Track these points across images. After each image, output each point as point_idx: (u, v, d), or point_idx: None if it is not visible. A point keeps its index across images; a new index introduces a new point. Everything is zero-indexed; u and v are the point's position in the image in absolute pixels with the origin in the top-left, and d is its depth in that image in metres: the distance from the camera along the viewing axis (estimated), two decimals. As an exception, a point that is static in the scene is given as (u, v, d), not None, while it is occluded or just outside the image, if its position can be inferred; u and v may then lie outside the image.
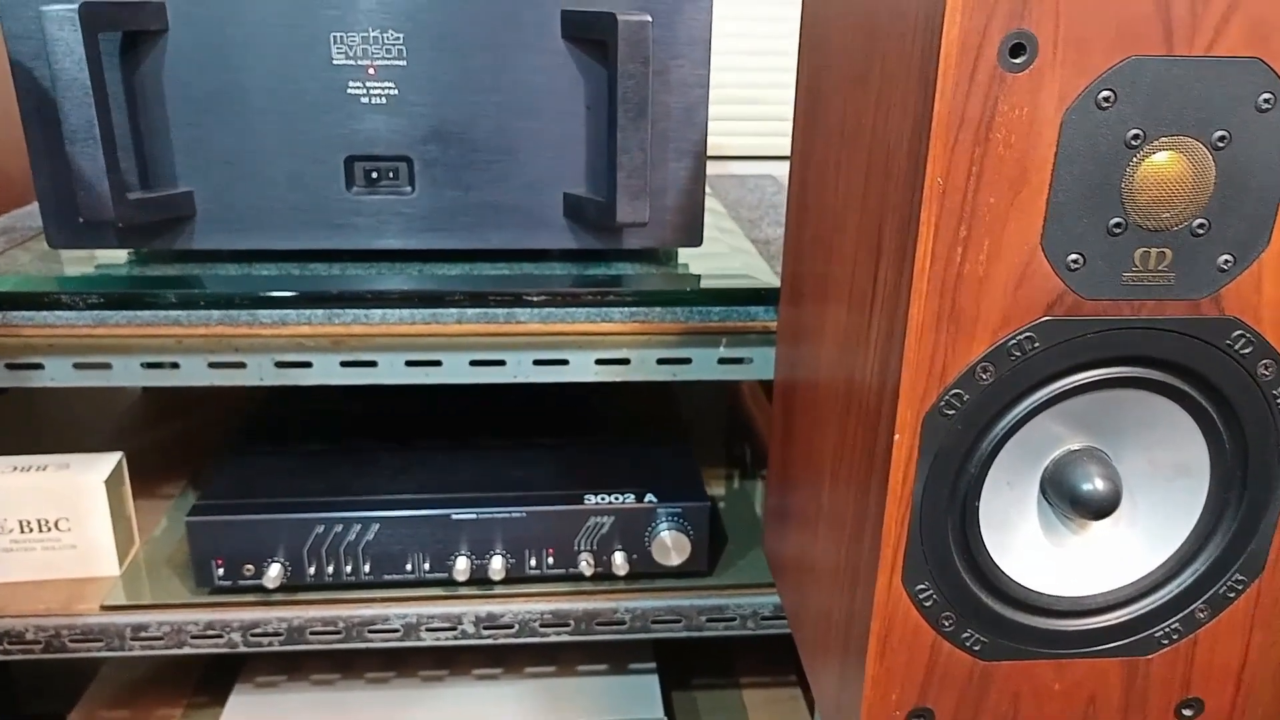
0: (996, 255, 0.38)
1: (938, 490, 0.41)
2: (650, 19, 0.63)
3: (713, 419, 1.19)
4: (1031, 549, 0.43)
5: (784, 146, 1.35)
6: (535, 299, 0.71)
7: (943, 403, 0.39)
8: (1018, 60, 0.35)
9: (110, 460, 0.83)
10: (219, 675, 1.04)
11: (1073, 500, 0.42)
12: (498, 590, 0.83)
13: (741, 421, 1.19)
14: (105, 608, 0.80)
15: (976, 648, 0.44)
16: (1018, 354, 0.39)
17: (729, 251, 0.81)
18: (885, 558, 0.42)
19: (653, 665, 1.01)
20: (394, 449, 0.90)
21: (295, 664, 0.99)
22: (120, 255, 0.77)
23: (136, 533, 0.89)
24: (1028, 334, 0.39)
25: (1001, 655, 0.44)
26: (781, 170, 1.37)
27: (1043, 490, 0.43)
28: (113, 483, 0.82)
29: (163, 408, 1.18)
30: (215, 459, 0.89)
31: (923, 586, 0.42)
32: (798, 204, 0.57)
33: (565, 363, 0.76)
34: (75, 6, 0.60)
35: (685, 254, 0.81)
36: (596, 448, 0.91)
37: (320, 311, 0.71)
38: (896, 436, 0.40)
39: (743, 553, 0.89)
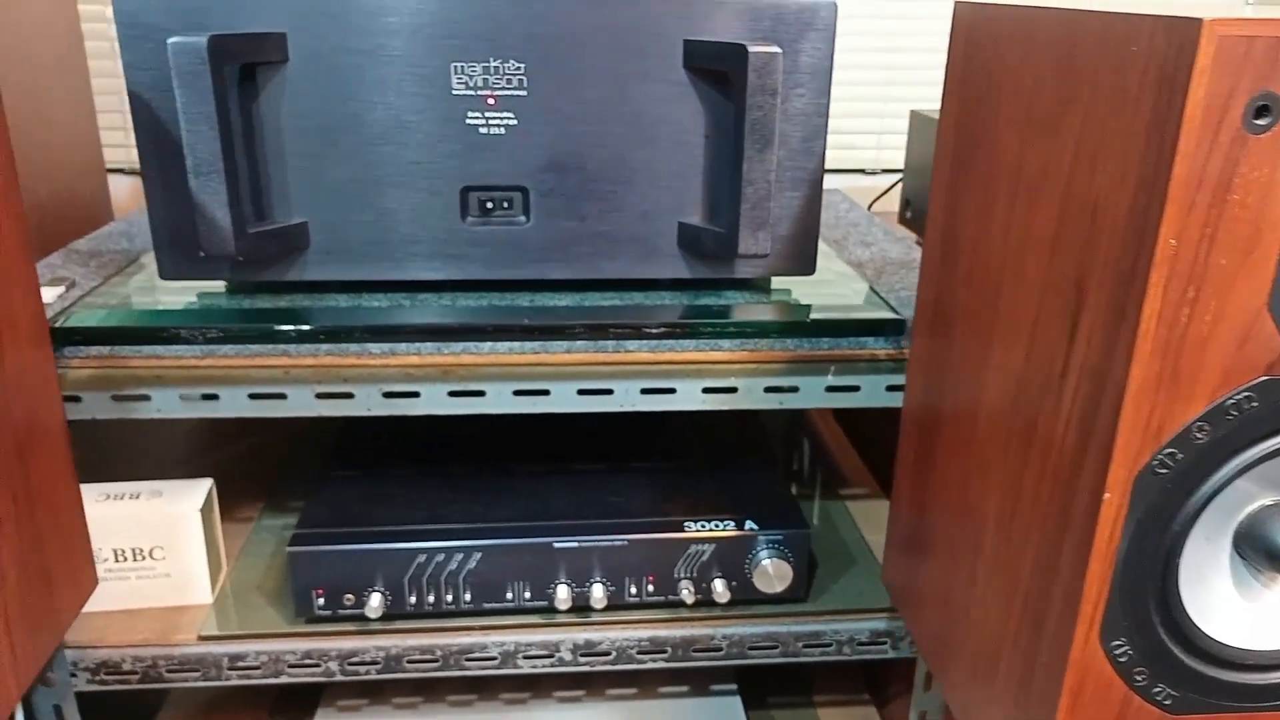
0: (1221, 316, 0.37)
1: (1141, 547, 0.40)
2: (780, 51, 0.62)
3: (764, 437, 1.18)
4: (1226, 603, 0.43)
5: (846, 159, 1.34)
6: (654, 330, 0.71)
7: (1155, 462, 0.39)
8: (1262, 122, 0.34)
9: (202, 487, 0.82)
10: (292, 698, 1.04)
11: (1269, 554, 0.42)
12: (595, 618, 0.83)
13: (806, 441, 1.18)
14: (203, 638, 0.80)
15: (1167, 702, 0.44)
16: (1235, 414, 0.38)
17: (834, 278, 0.80)
18: (1084, 614, 0.41)
19: (734, 686, 1.00)
20: (482, 475, 0.89)
21: (376, 688, 0.99)
22: (222, 285, 0.76)
23: (224, 560, 0.88)
24: (1247, 393, 0.38)
25: (1191, 709, 0.44)
26: (847, 183, 1.36)
27: (1236, 545, 0.43)
28: (205, 510, 0.82)
29: (221, 430, 1.17)
30: (309, 486, 0.88)
31: (1118, 642, 0.42)
32: (943, 235, 0.57)
33: (673, 391, 0.75)
34: (204, 39, 0.59)
35: (787, 279, 0.80)
36: (686, 472, 0.90)
37: (430, 343, 0.71)
38: (1107, 495, 0.39)
39: (834, 577, 0.89)
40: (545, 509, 0.83)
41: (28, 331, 0.59)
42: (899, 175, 1.34)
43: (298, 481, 1.03)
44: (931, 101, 1.22)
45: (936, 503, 0.58)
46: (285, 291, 0.73)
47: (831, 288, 0.78)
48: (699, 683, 1.01)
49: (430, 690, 0.99)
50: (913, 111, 0.99)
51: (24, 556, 0.59)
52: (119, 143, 1.26)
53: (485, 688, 0.99)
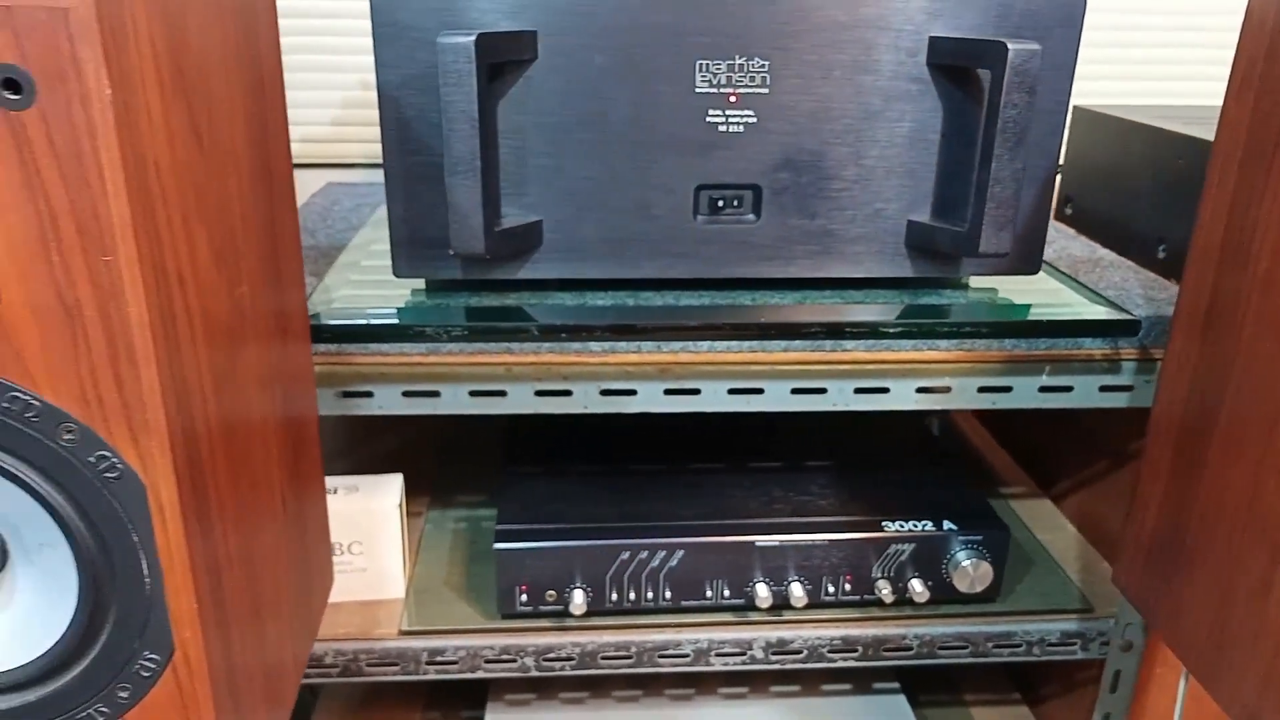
0: None
1: None
2: (1040, 48, 0.61)
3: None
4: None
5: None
6: (872, 329, 0.70)
7: None
8: None
9: (395, 483, 0.83)
10: (445, 692, 1.04)
11: None
12: (788, 616, 0.83)
13: (947, 441, 1.17)
14: (404, 632, 0.80)
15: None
16: None
17: (1023, 277, 0.79)
18: None
19: (896, 685, 1.00)
20: (661, 473, 0.89)
21: (544, 683, 0.99)
22: (449, 282, 0.76)
23: (411, 554, 0.88)
24: None
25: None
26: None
27: None
28: (400, 505, 0.82)
29: (364, 422, 1.17)
30: (499, 482, 0.88)
31: None
32: (1226, 238, 0.56)
33: (886, 391, 0.74)
34: (472, 37, 0.59)
35: (989, 279, 0.79)
36: (866, 471, 0.90)
37: (649, 341, 0.71)
38: None
39: (1016, 577, 0.88)
40: (739, 507, 0.83)
41: (298, 327, 0.59)
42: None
43: (456, 477, 1.04)
44: (1086, 96, 1.20)
45: (1209, 507, 0.58)
46: (516, 290, 0.73)
47: (1026, 285, 0.77)
48: (861, 681, 1.00)
49: (596, 686, 0.99)
50: (1076, 107, 0.98)
51: (293, 549, 0.59)
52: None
53: (649, 683, 0.99)
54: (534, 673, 0.82)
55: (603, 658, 0.82)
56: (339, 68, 1.16)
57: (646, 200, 0.68)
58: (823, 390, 0.74)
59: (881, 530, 0.80)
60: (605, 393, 0.73)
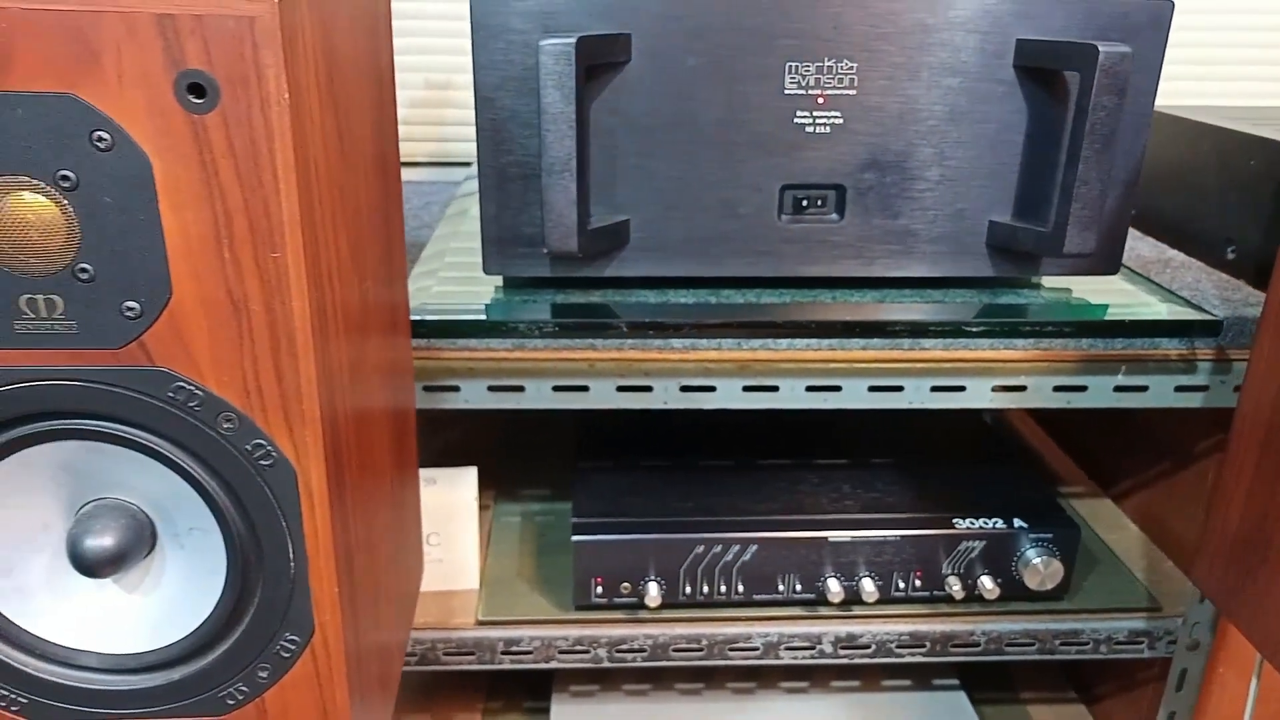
0: None
1: None
2: (1131, 51, 0.62)
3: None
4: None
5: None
6: (950, 328, 0.71)
7: None
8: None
9: (472, 475, 0.84)
10: (506, 682, 1.06)
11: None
12: (857, 611, 0.84)
13: (1005, 438, 1.18)
14: (480, 622, 0.82)
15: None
16: None
17: (1095, 278, 0.80)
18: None
19: (955, 681, 1.01)
20: (731, 468, 0.90)
21: (607, 674, 1.01)
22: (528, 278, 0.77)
23: (482, 546, 0.90)
24: None
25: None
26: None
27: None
28: (476, 498, 0.84)
29: (424, 416, 1.19)
30: (572, 477, 0.90)
31: None
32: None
33: (962, 389, 0.75)
34: (573, 40, 0.60)
35: (1060, 279, 0.80)
36: (933, 468, 0.90)
37: (730, 338, 0.72)
38: None
39: (1084, 575, 0.89)
40: (809, 503, 0.84)
41: (403, 321, 0.61)
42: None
43: (519, 471, 1.05)
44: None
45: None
46: (600, 287, 0.75)
47: (1098, 285, 0.78)
48: (920, 677, 1.01)
49: (658, 679, 1.00)
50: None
51: (398, 538, 0.61)
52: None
53: (710, 676, 1.01)
54: (606, 664, 0.83)
55: (674, 650, 0.83)
56: (404, 67, 1.17)
57: (732, 200, 0.69)
58: (899, 388, 0.75)
59: (952, 527, 0.81)
60: (685, 389, 0.74)
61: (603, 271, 0.71)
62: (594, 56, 0.63)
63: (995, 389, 0.75)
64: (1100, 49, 0.62)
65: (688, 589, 0.81)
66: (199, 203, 0.35)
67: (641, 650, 0.83)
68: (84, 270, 0.35)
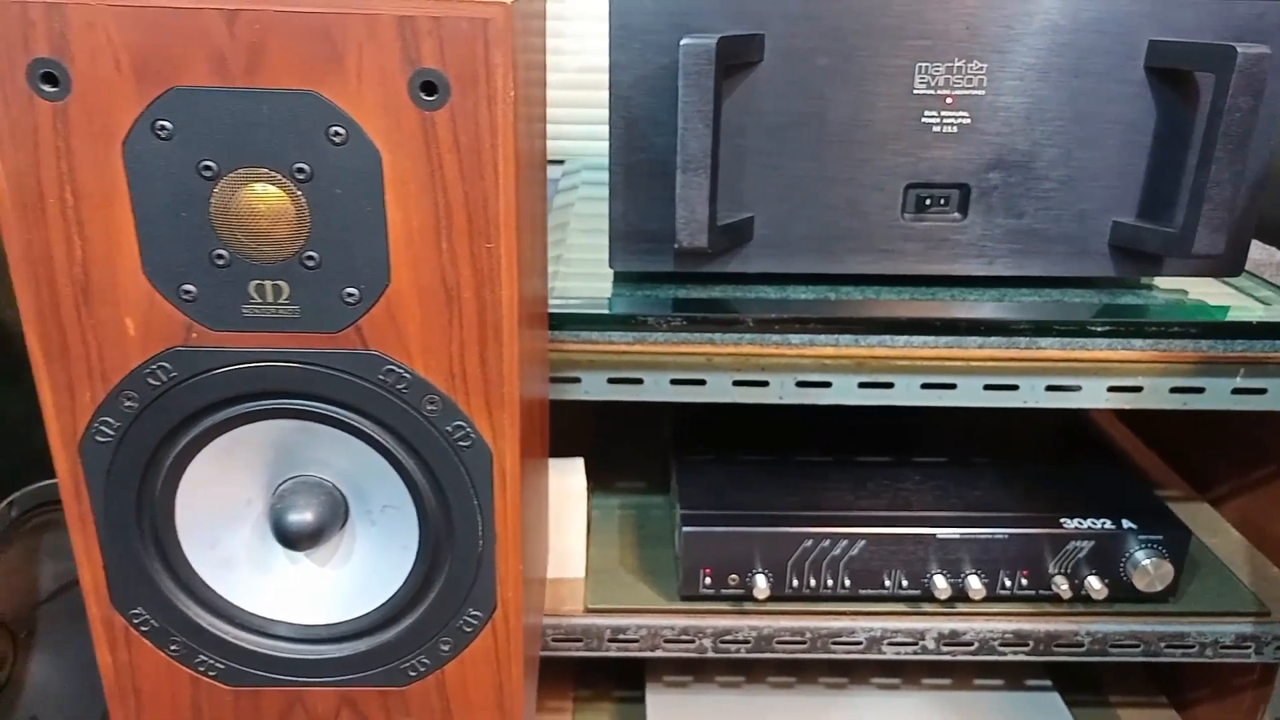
0: None
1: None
2: (1269, 51, 0.62)
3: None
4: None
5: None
6: (1069, 327, 0.71)
7: None
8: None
9: (580, 465, 0.86)
10: (594, 671, 1.08)
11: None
12: (961, 608, 0.84)
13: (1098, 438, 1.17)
14: (589, 610, 0.83)
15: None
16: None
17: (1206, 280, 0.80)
18: None
19: (1048, 682, 1.01)
20: (833, 464, 0.91)
21: (700, 665, 1.02)
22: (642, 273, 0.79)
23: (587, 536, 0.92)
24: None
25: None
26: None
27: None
28: (584, 487, 0.85)
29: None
30: (676, 468, 0.91)
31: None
32: None
33: (1078, 389, 0.76)
34: (713, 40, 0.61)
35: (1180, 280, 0.80)
36: (1036, 468, 0.91)
37: (847, 335, 0.73)
38: None
39: (1188, 578, 0.89)
40: (914, 500, 0.85)
41: (544, 312, 0.63)
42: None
43: (612, 462, 1.07)
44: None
45: None
46: (720, 283, 0.76)
47: (1212, 286, 0.78)
48: (1013, 677, 1.01)
49: (750, 670, 1.02)
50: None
51: (538, 523, 0.63)
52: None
53: (801, 671, 1.02)
54: (710, 654, 0.84)
55: (778, 642, 0.84)
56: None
57: (856, 198, 0.70)
58: (1014, 387, 0.75)
59: (1060, 527, 0.81)
60: (801, 384, 0.76)
61: (726, 267, 0.72)
62: (730, 57, 0.64)
63: (1111, 389, 0.76)
64: (1239, 50, 0.62)
65: (794, 582, 0.82)
66: (422, 195, 0.37)
67: (745, 642, 0.84)
68: (311, 258, 0.37)
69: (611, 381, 0.75)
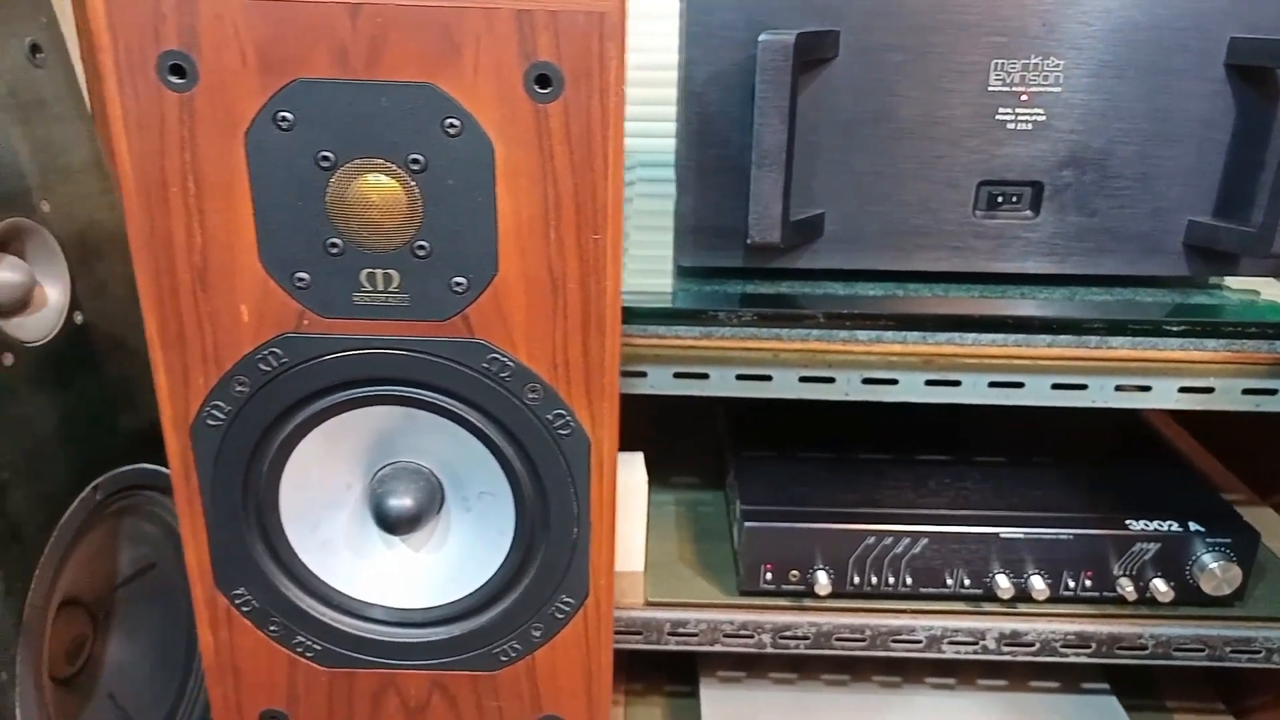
0: None
1: None
2: (1358, 47, 0.61)
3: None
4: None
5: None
6: (1142, 327, 0.71)
7: None
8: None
9: (640, 460, 0.87)
10: (644, 665, 1.08)
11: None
12: (1022, 608, 0.84)
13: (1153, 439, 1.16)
14: (649, 603, 0.84)
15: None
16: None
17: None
18: None
19: (1105, 685, 1.00)
20: (892, 461, 0.91)
21: (754, 661, 1.02)
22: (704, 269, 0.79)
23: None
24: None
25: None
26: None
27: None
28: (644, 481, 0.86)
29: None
30: (734, 463, 0.91)
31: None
32: None
33: (1148, 389, 0.75)
34: (792, 36, 0.62)
35: (1249, 280, 0.79)
36: (1095, 467, 0.90)
37: (915, 332, 0.73)
38: None
39: (1254, 582, 0.87)
40: (975, 499, 0.84)
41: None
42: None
43: (664, 457, 1.07)
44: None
45: None
46: (787, 279, 0.76)
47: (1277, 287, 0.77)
48: (1069, 679, 1.01)
49: (804, 667, 1.02)
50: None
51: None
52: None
53: (854, 668, 1.02)
54: (768, 649, 0.85)
55: (837, 639, 0.84)
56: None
57: (927, 195, 0.70)
58: (1083, 387, 0.75)
59: (1125, 528, 0.81)
60: (867, 381, 0.76)
61: (794, 263, 0.73)
62: (807, 52, 0.65)
63: (1182, 390, 0.75)
64: (1326, 46, 0.61)
65: (855, 579, 0.82)
66: (532, 186, 0.37)
67: (805, 638, 0.84)
68: (422, 247, 0.38)
69: (678, 376, 0.76)
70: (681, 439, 1.12)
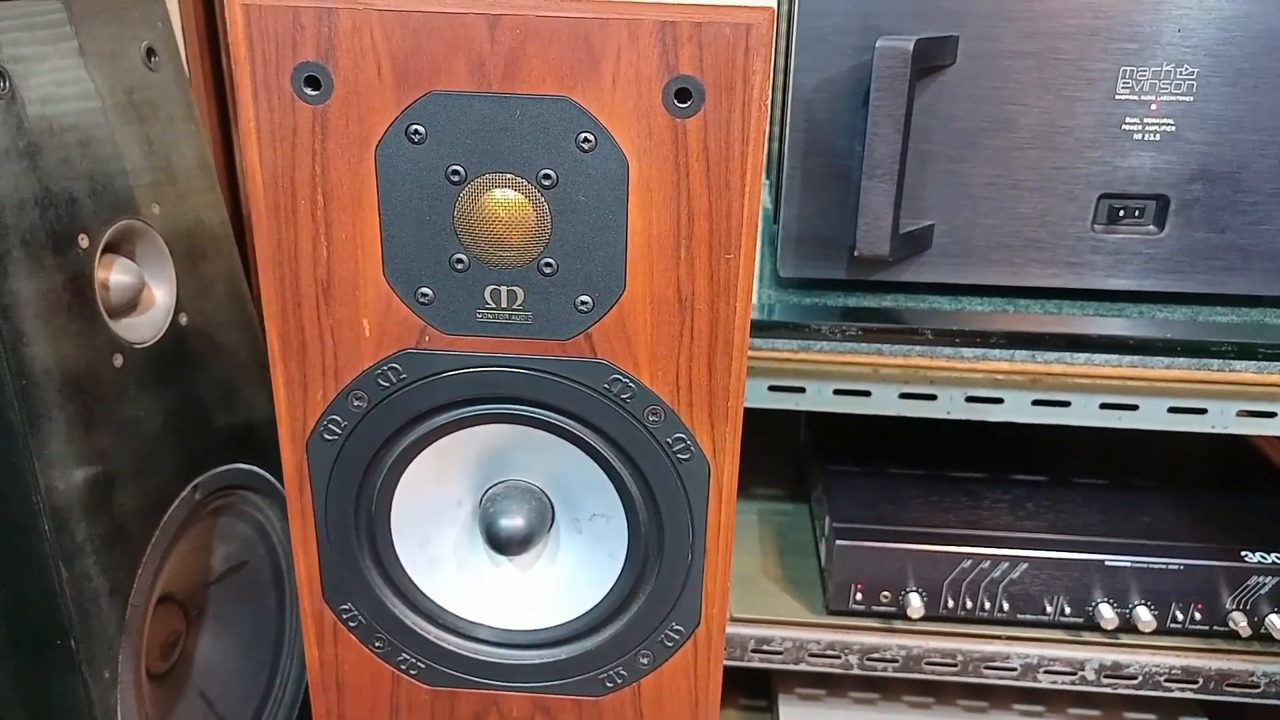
0: None
1: None
2: None
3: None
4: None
5: None
6: (1267, 350, 0.67)
7: None
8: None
9: (726, 473, 0.85)
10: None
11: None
12: (1125, 639, 0.80)
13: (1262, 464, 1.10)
14: (735, 619, 0.82)
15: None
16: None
17: None
18: None
19: (1204, 719, 0.95)
20: (986, 481, 0.88)
21: (833, 680, 1.00)
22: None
23: (726, 542, 0.90)
24: None
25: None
26: None
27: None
28: (729, 495, 0.84)
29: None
30: (822, 478, 0.89)
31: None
32: None
33: (1273, 415, 0.71)
34: (910, 42, 0.59)
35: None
36: (1203, 494, 0.86)
37: (1023, 350, 0.70)
38: None
39: (1373, 622, 0.82)
40: (1077, 523, 0.81)
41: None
42: None
43: (745, 470, 1.05)
44: None
45: None
46: (892, 292, 0.74)
47: None
48: (1165, 712, 0.96)
49: (886, 687, 0.99)
50: None
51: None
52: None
53: (941, 692, 0.99)
54: (855, 670, 0.82)
55: (927, 663, 0.82)
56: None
57: (1044, 208, 0.67)
58: (1203, 411, 0.71)
59: (1240, 560, 0.76)
60: (971, 399, 0.73)
61: (900, 276, 0.70)
62: (924, 59, 0.62)
63: (1309, 417, 0.71)
64: None
65: (949, 603, 0.79)
66: (665, 203, 0.36)
67: (894, 660, 0.82)
68: (548, 265, 0.37)
69: (772, 389, 0.74)
70: (757, 447, 1.10)
